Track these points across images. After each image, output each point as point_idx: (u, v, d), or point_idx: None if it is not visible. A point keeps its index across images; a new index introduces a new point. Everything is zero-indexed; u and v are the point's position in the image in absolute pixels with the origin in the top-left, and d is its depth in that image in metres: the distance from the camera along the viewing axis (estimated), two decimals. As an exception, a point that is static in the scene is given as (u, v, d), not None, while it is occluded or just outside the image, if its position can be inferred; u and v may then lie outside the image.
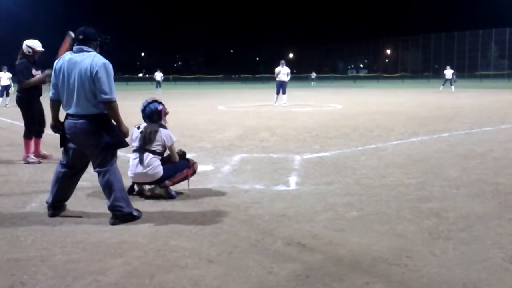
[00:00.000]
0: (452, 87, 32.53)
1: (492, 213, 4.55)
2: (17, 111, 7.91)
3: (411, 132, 10.62)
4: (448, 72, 33.31)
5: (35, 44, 7.23)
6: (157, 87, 37.81)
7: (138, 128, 5.25)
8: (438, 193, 5.29)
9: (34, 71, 7.18)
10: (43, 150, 7.81)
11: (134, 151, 5.19)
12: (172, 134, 5.32)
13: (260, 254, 3.56)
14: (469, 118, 13.60)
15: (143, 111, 5.29)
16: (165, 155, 5.35)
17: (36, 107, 7.41)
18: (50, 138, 9.21)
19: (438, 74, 59.74)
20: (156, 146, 5.15)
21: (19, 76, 7.21)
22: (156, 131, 5.15)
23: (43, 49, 7.29)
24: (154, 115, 5.26)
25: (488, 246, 3.72)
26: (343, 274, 3.22)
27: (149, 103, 5.31)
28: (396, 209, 4.68)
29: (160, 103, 5.34)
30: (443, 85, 33.61)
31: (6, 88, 21.27)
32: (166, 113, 5.38)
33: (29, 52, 7.14)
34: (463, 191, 5.36)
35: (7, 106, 20.80)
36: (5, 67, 21.46)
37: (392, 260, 3.44)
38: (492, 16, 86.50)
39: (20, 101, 7.39)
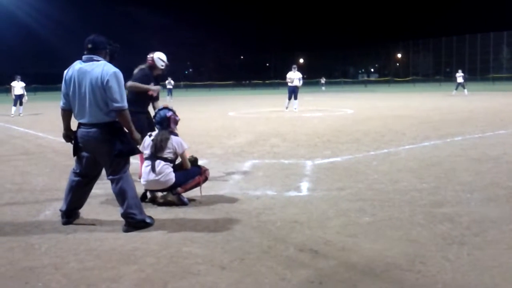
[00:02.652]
0: (465, 90, 32.30)
1: (507, 218, 4.50)
2: (31, 120, 7.97)
3: (424, 136, 10.55)
4: (459, 76, 33.12)
5: (164, 58, 6.69)
6: (168, 94, 37.99)
7: (150, 135, 5.30)
8: (452, 198, 5.24)
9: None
10: (61, 159, 7.84)
11: (146, 158, 5.23)
12: (183, 141, 5.35)
13: (272, 261, 3.56)
14: (482, 122, 13.48)
15: (154, 117, 5.37)
16: (177, 162, 5.38)
17: (144, 119, 6.47)
18: (62, 147, 9.31)
19: (449, 77, 59.34)
20: (167, 154, 5.18)
21: (132, 79, 6.48)
22: (167, 139, 5.18)
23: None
24: (163, 122, 5.31)
25: (502, 251, 3.68)
26: (356, 280, 3.20)
27: (159, 110, 5.41)
28: (409, 214, 4.65)
29: (170, 110, 5.40)
30: (455, 89, 33.39)
31: (20, 97, 21.49)
32: (176, 121, 5.40)
33: (162, 65, 6.61)
34: (476, 196, 5.31)
35: (21, 115, 21.04)
36: (19, 77, 21.70)
37: (405, 266, 3.42)
38: (503, 18, 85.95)
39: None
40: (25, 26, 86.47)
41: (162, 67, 6.64)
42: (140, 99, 6.41)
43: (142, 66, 6.63)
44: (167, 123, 5.32)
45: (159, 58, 6.61)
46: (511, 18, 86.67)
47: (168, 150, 5.18)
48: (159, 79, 6.85)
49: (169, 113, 5.34)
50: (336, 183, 6.08)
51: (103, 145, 4.33)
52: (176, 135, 5.36)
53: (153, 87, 6.49)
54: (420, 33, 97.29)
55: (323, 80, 63.42)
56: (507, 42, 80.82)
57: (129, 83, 6.43)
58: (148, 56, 6.65)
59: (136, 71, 6.62)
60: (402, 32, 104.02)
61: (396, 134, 11.11)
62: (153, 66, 6.60)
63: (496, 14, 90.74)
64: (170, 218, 4.73)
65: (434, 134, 10.90)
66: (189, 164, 5.40)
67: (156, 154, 5.15)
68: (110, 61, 4.43)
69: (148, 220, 4.46)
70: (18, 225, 4.61)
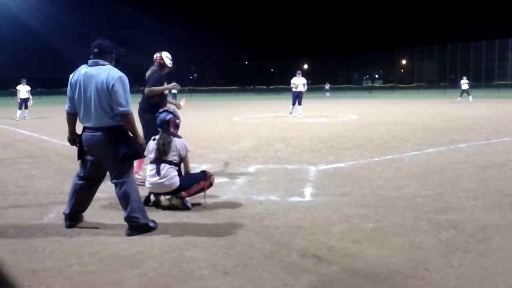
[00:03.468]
0: (470, 97, 32.19)
1: (511, 225, 4.48)
2: (36, 124, 7.98)
3: (428, 142, 10.53)
4: (464, 83, 33.04)
5: (170, 57, 6.86)
6: (172, 99, 38.12)
7: (154, 139, 5.31)
8: (456, 205, 5.22)
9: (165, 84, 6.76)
10: (65, 163, 7.85)
11: (151, 162, 5.24)
12: (187, 143, 5.38)
13: (275, 266, 3.55)
14: (487, 129, 13.44)
15: (155, 120, 5.39)
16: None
17: None
18: (67, 150, 9.34)
19: (454, 84, 59.18)
20: (172, 156, 5.20)
21: (148, 85, 6.56)
22: (170, 142, 5.20)
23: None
24: (163, 125, 5.32)
25: (506, 258, 3.66)
26: (359, 287, 3.19)
27: (160, 113, 5.42)
28: (413, 221, 4.64)
29: (170, 113, 5.40)
30: (460, 96, 33.28)
31: (25, 100, 21.57)
32: (176, 124, 5.38)
33: (170, 64, 6.77)
34: (481, 203, 5.29)
35: (26, 118, 21.11)
36: (24, 80, 21.79)
37: (409, 272, 3.41)
38: (508, 25, 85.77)
39: (142, 112, 6.63)
40: (31, 30, 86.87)
41: (170, 65, 6.80)
42: (158, 100, 6.56)
43: (154, 68, 6.70)
44: (167, 126, 5.32)
45: (167, 57, 6.78)
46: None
47: (172, 153, 5.20)
48: (167, 78, 6.90)
49: (169, 116, 5.35)
50: (340, 189, 6.07)
51: (107, 148, 4.34)
52: (179, 137, 5.38)
53: (170, 86, 6.63)
54: (425, 39, 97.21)
55: (327, 86, 63.34)
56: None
57: (147, 89, 6.54)
58: (156, 55, 6.77)
59: (148, 73, 6.68)
60: (407, 38, 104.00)
61: (400, 140, 11.09)
62: (163, 65, 6.75)
63: (501, 21, 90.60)
64: (173, 222, 4.73)
65: (439, 140, 10.87)
66: (190, 168, 5.41)
67: (160, 157, 5.17)
68: (116, 66, 4.45)
69: (151, 224, 4.46)
70: (21, 227, 4.62)
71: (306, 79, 21.62)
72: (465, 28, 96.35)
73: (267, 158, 8.80)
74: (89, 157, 4.47)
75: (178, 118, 5.45)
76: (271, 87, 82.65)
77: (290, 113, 20.23)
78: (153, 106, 6.44)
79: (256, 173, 7.26)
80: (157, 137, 5.34)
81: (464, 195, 5.62)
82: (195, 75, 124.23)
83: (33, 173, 7.61)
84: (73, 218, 4.58)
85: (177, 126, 5.41)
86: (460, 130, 13.14)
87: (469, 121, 16.38)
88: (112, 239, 4.24)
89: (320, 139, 11.52)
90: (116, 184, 4.45)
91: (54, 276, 3.42)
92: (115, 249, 3.97)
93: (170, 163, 5.18)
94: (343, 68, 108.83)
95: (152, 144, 5.27)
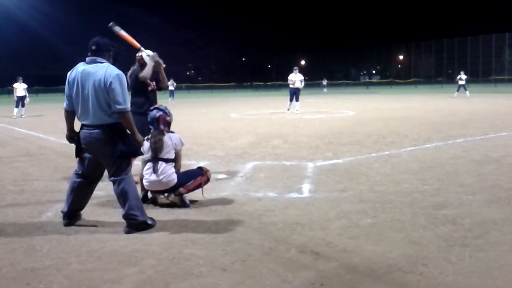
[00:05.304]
0: (467, 92, 32.23)
1: (509, 219, 4.49)
2: (33, 122, 7.96)
3: (425, 138, 10.54)
4: (462, 78, 33.07)
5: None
6: (170, 96, 38.06)
7: (148, 139, 5.29)
8: (454, 200, 5.24)
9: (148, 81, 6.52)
10: (62, 161, 7.83)
11: (148, 161, 5.23)
12: (182, 138, 5.38)
13: (274, 262, 3.55)
14: (484, 123, 13.46)
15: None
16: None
17: (144, 120, 5.88)
18: (64, 148, 9.33)
19: (451, 79, 59.29)
20: (168, 153, 5.20)
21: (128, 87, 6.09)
22: (160, 140, 5.19)
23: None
24: (154, 122, 5.32)
25: (504, 252, 3.67)
26: (358, 282, 3.20)
27: (151, 110, 5.42)
28: (411, 216, 4.65)
29: (160, 110, 5.38)
30: (457, 91, 33.32)
31: (22, 98, 21.54)
32: (166, 121, 5.35)
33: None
34: (478, 197, 5.31)
35: (23, 116, 21.08)
36: (21, 78, 21.75)
37: (407, 268, 3.41)
38: (505, 20, 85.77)
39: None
40: (28, 27, 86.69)
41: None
42: (139, 100, 6.41)
43: (134, 67, 6.62)
44: (157, 124, 5.31)
45: (147, 55, 6.61)
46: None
47: (168, 149, 5.20)
48: (155, 74, 6.78)
49: (158, 113, 5.33)
50: (338, 185, 6.08)
51: (105, 146, 4.34)
52: (172, 133, 5.38)
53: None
54: (422, 34, 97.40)
55: (324, 82, 63.42)
56: (509, 44, 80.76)
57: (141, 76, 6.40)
58: (137, 55, 6.65)
59: (129, 73, 6.57)
60: (404, 34, 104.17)
61: (397, 135, 11.10)
62: (144, 64, 6.60)
63: (498, 16, 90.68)
64: (171, 219, 4.73)
65: (436, 136, 10.89)
66: (181, 164, 5.41)
67: (156, 156, 5.17)
68: (114, 63, 4.44)
69: (149, 222, 4.46)
70: (20, 226, 4.62)
71: (304, 75, 21.61)
72: (462, 23, 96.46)
73: (265, 154, 8.80)
74: (87, 155, 4.47)
75: (169, 116, 5.42)
76: (269, 83, 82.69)
77: (288, 110, 20.23)
78: (132, 105, 6.24)
79: (254, 170, 7.26)
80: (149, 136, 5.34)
81: (462, 190, 5.63)
82: (192, 71, 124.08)
83: (31, 171, 7.60)
84: (71, 216, 4.57)
85: (167, 123, 5.38)
86: (458, 125, 13.16)
87: (466, 116, 16.40)
88: (111, 237, 4.24)
89: (318, 135, 11.52)
90: (114, 182, 4.45)
91: (53, 275, 3.42)
92: (113, 247, 3.97)
93: (167, 160, 5.18)
94: (340, 64, 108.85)
95: (146, 144, 5.25)
